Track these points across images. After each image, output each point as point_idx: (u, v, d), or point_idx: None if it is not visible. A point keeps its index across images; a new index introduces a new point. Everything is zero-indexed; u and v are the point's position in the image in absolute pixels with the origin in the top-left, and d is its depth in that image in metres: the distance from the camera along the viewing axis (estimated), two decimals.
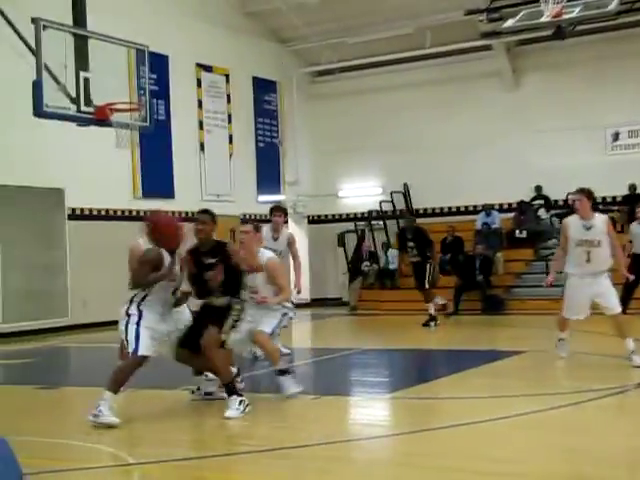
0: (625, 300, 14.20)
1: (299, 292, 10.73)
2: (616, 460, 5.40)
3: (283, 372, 7.87)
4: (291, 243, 10.61)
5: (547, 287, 9.49)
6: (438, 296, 15.77)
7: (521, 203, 19.03)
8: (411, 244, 14.76)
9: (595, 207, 18.57)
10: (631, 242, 14.68)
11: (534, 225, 18.39)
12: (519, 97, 19.64)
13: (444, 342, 13.06)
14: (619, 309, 9.09)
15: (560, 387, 8.01)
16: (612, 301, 8.96)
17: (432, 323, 14.52)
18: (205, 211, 7.58)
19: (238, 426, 7.05)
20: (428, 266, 14.70)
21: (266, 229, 10.28)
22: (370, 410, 7.77)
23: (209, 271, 7.25)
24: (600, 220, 9.08)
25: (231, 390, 7.10)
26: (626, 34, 18.36)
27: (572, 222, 9.03)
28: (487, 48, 19.63)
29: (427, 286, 14.73)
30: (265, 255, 7.84)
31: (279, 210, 10.70)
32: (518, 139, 19.30)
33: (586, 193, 9.03)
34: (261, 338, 7.71)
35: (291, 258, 10.76)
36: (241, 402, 7.01)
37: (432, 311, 14.64)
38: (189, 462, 5.60)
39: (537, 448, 5.79)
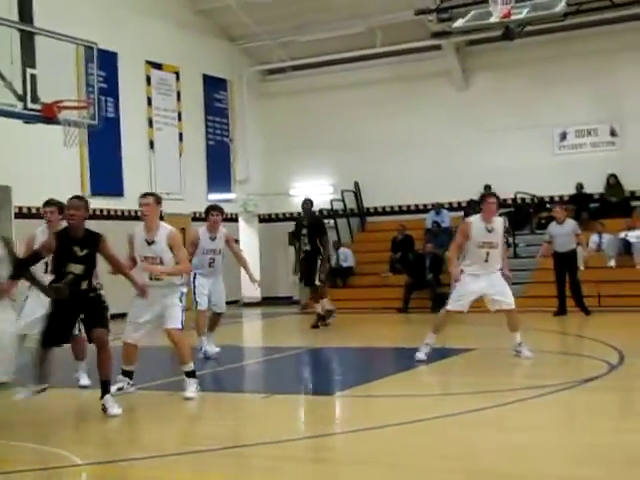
0: (562, 300, 14.44)
1: (258, 285, 11.93)
2: (566, 456, 5.50)
3: (191, 374, 7.83)
4: (229, 240, 10.74)
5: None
6: (327, 301, 14.57)
7: (470, 202, 19.21)
8: (304, 231, 14.05)
9: (543, 207, 18.91)
10: (549, 243, 14.71)
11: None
12: (469, 96, 19.85)
13: (394, 340, 13.14)
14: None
15: (509, 384, 8.11)
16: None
17: (320, 323, 14.13)
18: (77, 197, 7.40)
19: (188, 425, 7.03)
20: (319, 261, 13.96)
21: (202, 230, 10.54)
22: (320, 409, 7.78)
23: (76, 263, 6.94)
24: (499, 223, 9.57)
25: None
26: (574, 35, 18.64)
27: (475, 224, 9.41)
28: (437, 48, 19.80)
29: (317, 282, 14.06)
30: (167, 227, 7.86)
31: (216, 209, 10.62)
32: (468, 138, 19.50)
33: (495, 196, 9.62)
34: (174, 335, 7.74)
35: (234, 257, 10.94)
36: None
37: (320, 310, 14.11)
38: (139, 462, 5.57)
39: (487, 445, 5.87)
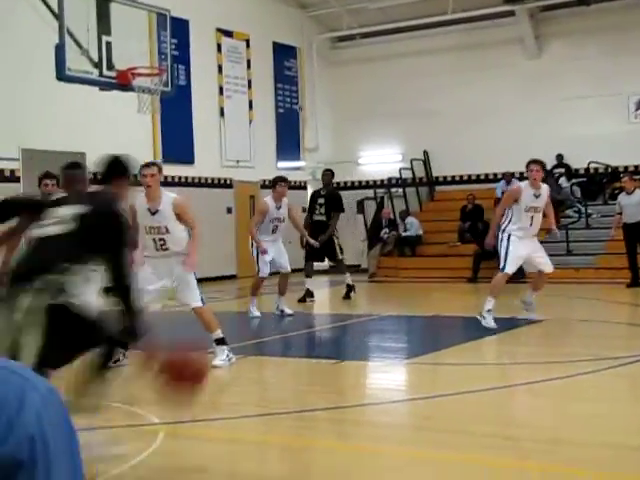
0: (634, 272, 14.17)
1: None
2: (631, 427, 5.46)
3: (221, 341, 7.71)
4: (291, 209, 11.51)
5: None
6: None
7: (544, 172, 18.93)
8: (321, 201, 13.80)
9: (617, 177, 18.48)
10: (620, 214, 14.44)
11: (554, 194, 18.29)
12: (541, 64, 19.48)
13: (463, 309, 13.09)
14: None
15: (578, 355, 8.05)
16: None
17: (352, 293, 14.00)
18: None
19: (259, 389, 7.17)
20: (334, 238, 13.67)
21: (269, 199, 11.36)
22: (389, 375, 7.85)
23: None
24: (545, 189, 10.03)
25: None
26: None
27: (524, 189, 9.94)
28: (510, 14, 19.44)
29: (340, 256, 13.83)
30: (170, 195, 7.73)
31: (284, 181, 11.41)
32: (540, 107, 19.18)
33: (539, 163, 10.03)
34: (198, 311, 7.68)
35: (292, 224, 11.74)
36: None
37: (349, 280, 13.94)
38: (212, 422, 5.71)
39: (553, 414, 5.86)
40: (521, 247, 9.79)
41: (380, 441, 5.28)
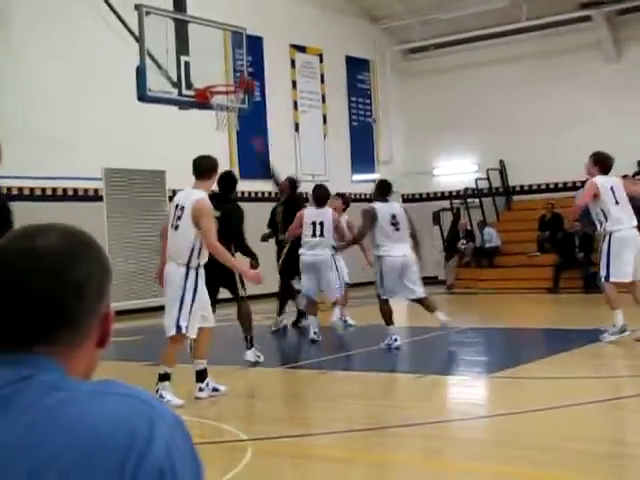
0: None
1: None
2: None
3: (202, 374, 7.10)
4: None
5: None
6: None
7: (625, 177, 18.55)
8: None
9: None
10: None
11: (637, 201, 17.91)
12: (621, 69, 19.12)
13: (544, 321, 12.92)
14: None
15: None
16: None
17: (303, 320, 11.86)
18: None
19: (343, 404, 7.19)
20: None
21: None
22: (472, 390, 7.80)
23: None
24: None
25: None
26: None
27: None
28: (586, 19, 19.14)
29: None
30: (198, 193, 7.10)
31: (340, 196, 12.13)
32: (620, 112, 18.79)
33: None
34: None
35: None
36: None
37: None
38: (300, 439, 5.75)
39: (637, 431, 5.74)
40: (627, 252, 9.11)
41: (464, 457, 5.25)
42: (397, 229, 9.61)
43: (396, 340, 9.74)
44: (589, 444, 5.34)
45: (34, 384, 1.21)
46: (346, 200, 12.78)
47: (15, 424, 1.18)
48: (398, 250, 9.48)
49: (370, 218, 9.56)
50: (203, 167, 7.16)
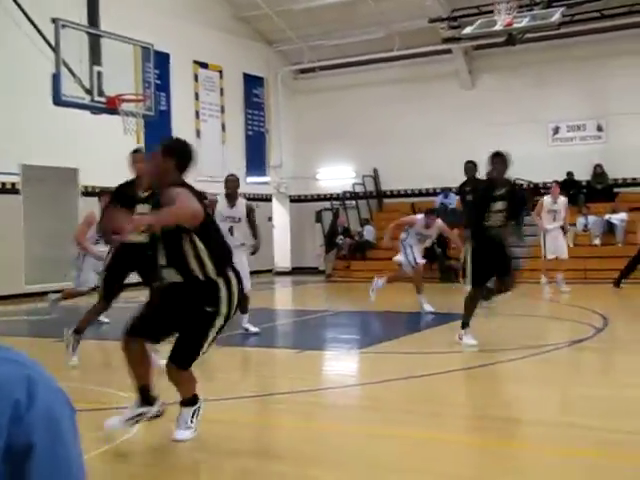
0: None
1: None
2: (555, 406, 5.53)
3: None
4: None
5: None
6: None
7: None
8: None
9: (538, 191, 18.75)
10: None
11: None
12: (475, 95, 19.68)
13: (407, 306, 13.16)
14: None
15: (508, 343, 8.14)
16: None
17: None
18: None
19: (227, 375, 7.12)
20: None
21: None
22: (344, 363, 7.87)
23: None
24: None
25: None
26: (568, 42, 18.40)
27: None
28: (447, 52, 19.63)
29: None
30: None
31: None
32: (473, 131, 19.36)
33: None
34: None
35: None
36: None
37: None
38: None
39: (490, 395, 5.91)
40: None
41: (339, 420, 5.29)
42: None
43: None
44: (445, 407, 5.47)
45: None
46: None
47: None
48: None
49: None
50: None
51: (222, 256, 4.58)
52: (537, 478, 4.00)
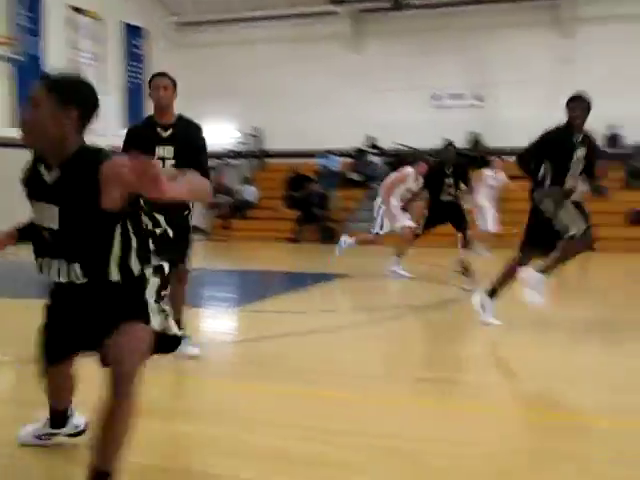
0: None
1: None
2: (410, 361, 5.68)
3: None
4: None
5: None
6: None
7: (358, 150, 19.32)
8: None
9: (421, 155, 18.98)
10: None
11: (370, 170, 18.72)
12: (361, 60, 19.78)
13: (286, 265, 13.21)
14: None
15: (376, 305, 8.29)
16: None
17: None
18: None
19: None
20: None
21: None
22: (222, 320, 7.81)
23: None
24: None
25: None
26: (452, 11, 18.80)
27: None
28: (335, 13, 19.60)
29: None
30: None
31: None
32: (357, 95, 19.49)
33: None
34: None
35: None
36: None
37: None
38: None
39: (344, 350, 6.01)
40: None
41: (219, 376, 5.26)
42: None
43: None
44: (315, 364, 5.51)
45: None
46: None
47: None
48: None
49: None
50: None
51: None
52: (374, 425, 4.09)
